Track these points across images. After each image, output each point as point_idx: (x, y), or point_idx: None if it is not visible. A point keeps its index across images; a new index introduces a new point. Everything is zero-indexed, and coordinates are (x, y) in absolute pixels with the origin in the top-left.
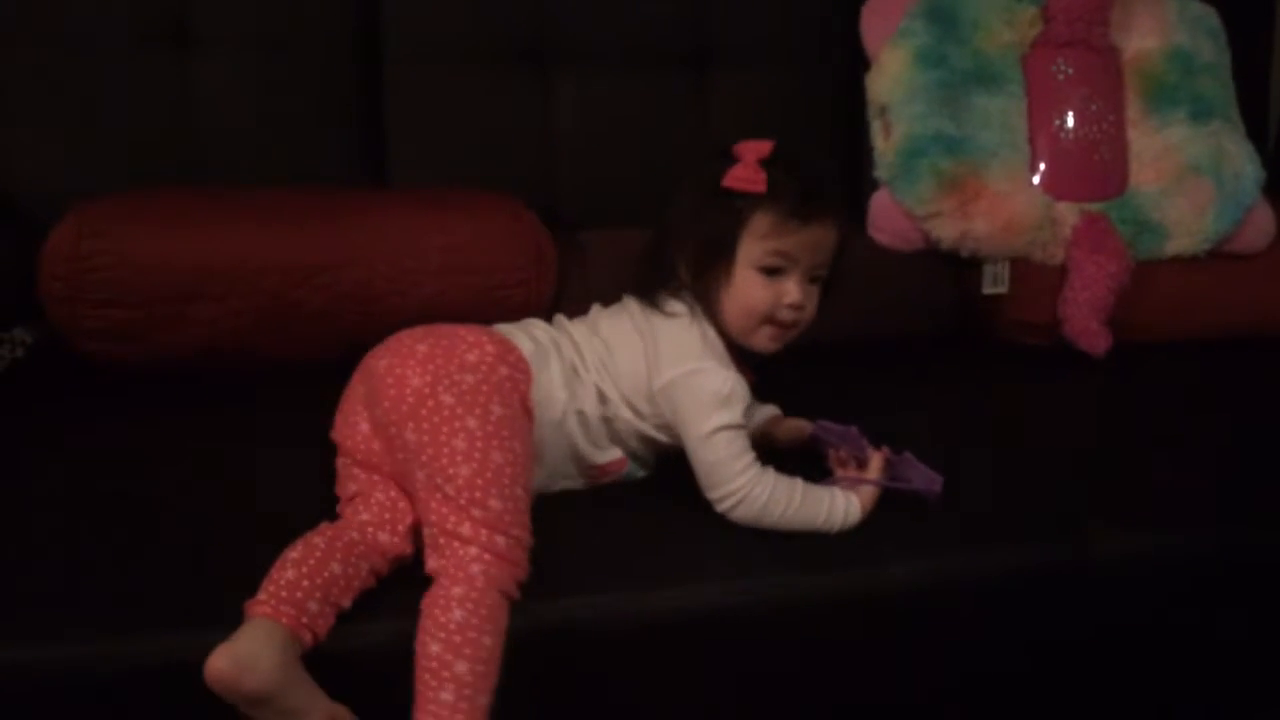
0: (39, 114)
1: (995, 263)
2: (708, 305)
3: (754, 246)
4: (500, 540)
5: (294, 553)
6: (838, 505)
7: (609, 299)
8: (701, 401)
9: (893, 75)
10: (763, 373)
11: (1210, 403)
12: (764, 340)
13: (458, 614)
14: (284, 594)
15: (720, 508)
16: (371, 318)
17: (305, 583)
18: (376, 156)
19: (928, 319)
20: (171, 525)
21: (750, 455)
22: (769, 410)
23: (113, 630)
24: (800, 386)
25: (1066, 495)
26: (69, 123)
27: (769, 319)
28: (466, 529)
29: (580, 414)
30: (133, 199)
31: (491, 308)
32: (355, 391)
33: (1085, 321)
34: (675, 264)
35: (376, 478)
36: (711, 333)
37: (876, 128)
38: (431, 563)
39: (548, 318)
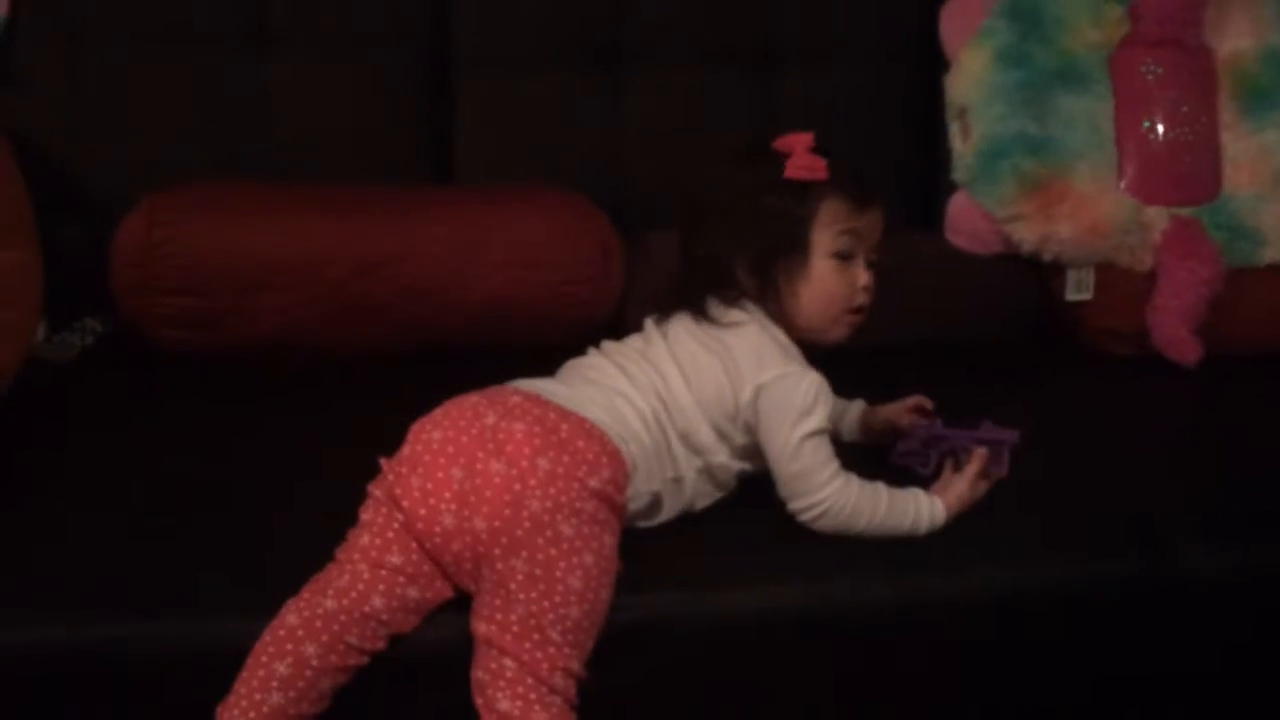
0: (114, 106)
1: (1079, 268)
2: (778, 306)
3: (826, 233)
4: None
5: (282, 665)
6: (923, 511)
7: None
8: (789, 408)
9: (973, 76)
10: (837, 377)
11: None
12: (842, 330)
13: None
14: None
15: (803, 518)
16: (436, 311)
17: (291, 710)
18: (444, 156)
19: (1007, 325)
20: (229, 514)
21: (835, 464)
22: (858, 406)
23: (163, 613)
24: (874, 391)
25: (1153, 508)
26: (144, 116)
27: (848, 308)
28: (559, 679)
29: (676, 481)
30: (203, 190)
31: (558, 305)
32: (448, 471)
33: (1175, 330)
34: (734, 272)
35: (412, 544)
36: (782, 335)
37: (955, 129)
38: (504, 704)
39: (614, 318)
